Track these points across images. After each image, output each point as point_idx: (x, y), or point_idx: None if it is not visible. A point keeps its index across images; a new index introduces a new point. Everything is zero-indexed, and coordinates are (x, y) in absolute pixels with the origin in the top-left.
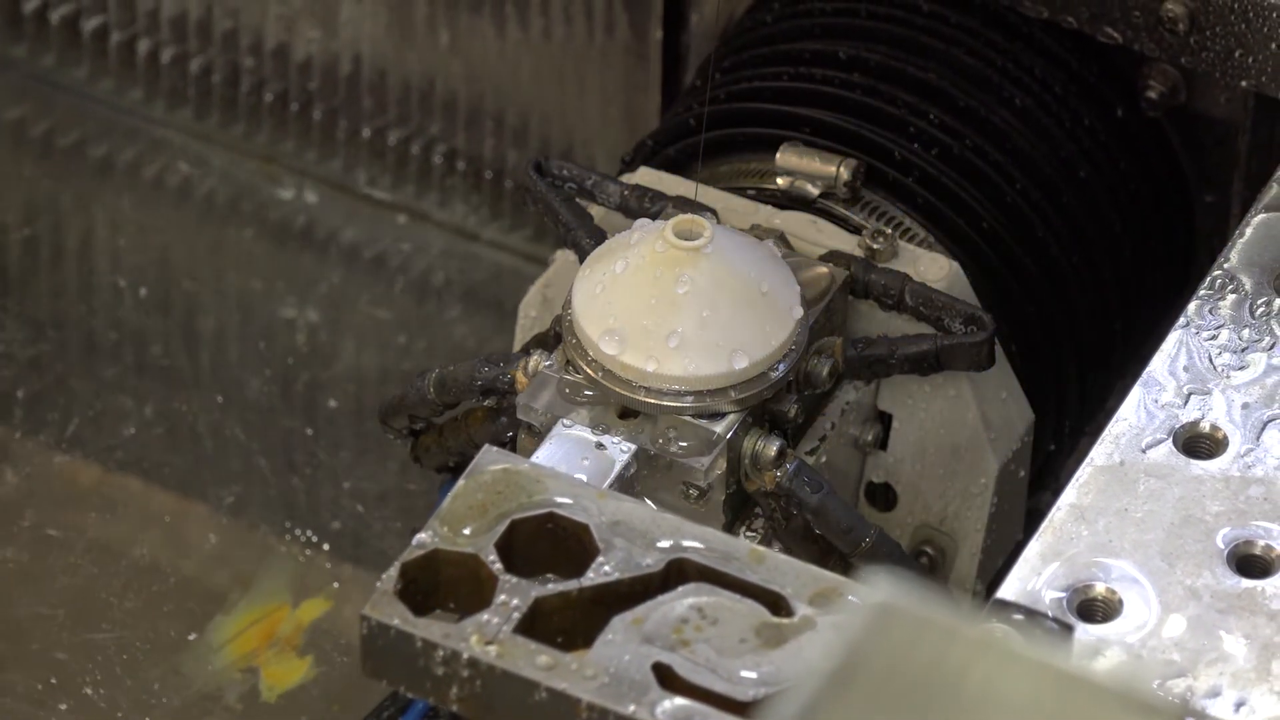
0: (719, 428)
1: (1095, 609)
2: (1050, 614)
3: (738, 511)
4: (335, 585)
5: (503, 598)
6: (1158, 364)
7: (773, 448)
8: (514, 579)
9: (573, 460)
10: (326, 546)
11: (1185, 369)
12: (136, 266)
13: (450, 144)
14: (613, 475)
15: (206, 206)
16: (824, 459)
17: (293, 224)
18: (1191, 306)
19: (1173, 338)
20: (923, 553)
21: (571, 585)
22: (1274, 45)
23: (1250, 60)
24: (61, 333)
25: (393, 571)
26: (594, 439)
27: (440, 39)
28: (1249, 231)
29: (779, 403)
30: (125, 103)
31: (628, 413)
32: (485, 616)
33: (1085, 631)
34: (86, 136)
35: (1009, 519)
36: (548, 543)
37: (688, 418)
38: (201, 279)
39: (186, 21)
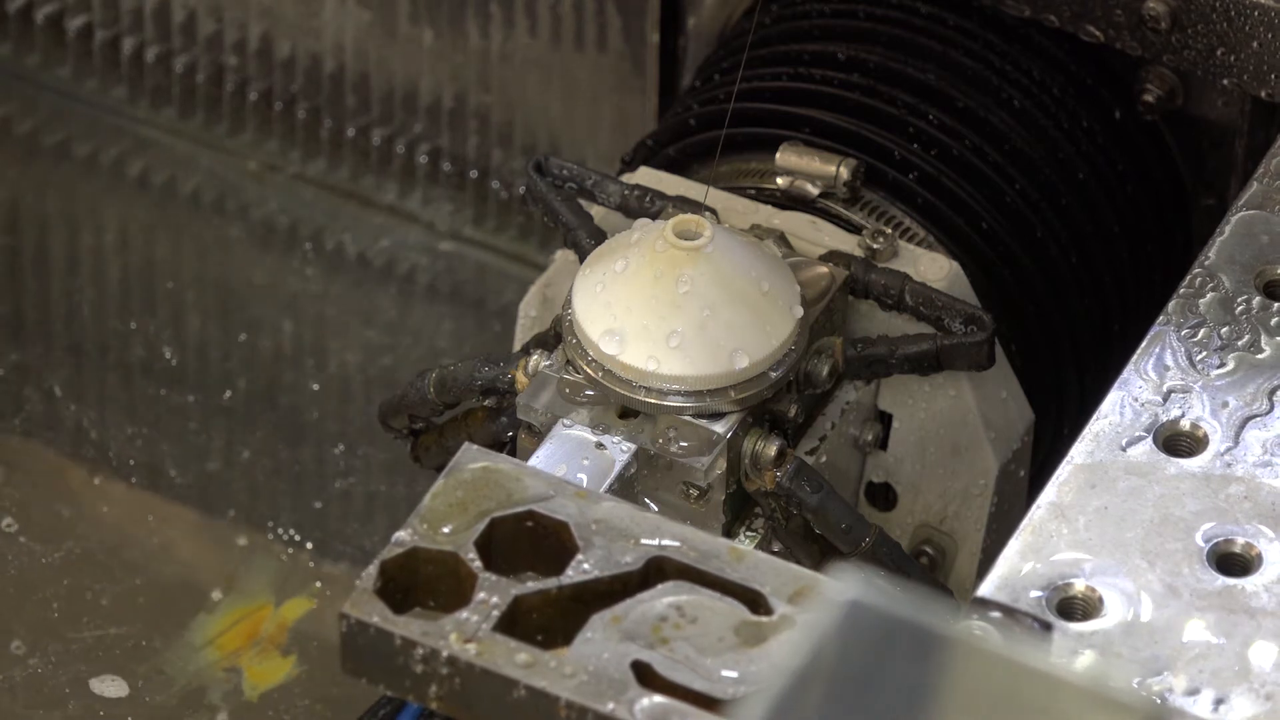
0: (719, 428)
1: (1075, 607)
2: (1029, 612)
3: (738, 511)
4: (318, 584)
5: (482, 595)
6: (1138, 362)
7: (773, 448)
8: (493, 577)
9: (573, 460)
10: (309, 546)
11: (1165, 367)
12: (120, 265)
13: (435, 143)
14: (613, 475)
15: (190, 205)
16: (824, 459)
17: (277, 223)
18: (1172, 304)
19: (1153, 336)
20: (923, 553)
21: (551, 583)
22: (1255, 44)
23: (1232, 59)
24: (46, 331)
25: (372, 569)
26: (594, 439)
27: (424, 38)
28: (1228, 229)
29: (779, 403)
30: (109, 101)
31: (628, 412)
32: (464, 614)
33: (1065, 630)
34: (71, 135)
35: (1009, 519)
36: (527, 541)
37: (688, 417)
38: (185, 278)
39: (170, 20)
